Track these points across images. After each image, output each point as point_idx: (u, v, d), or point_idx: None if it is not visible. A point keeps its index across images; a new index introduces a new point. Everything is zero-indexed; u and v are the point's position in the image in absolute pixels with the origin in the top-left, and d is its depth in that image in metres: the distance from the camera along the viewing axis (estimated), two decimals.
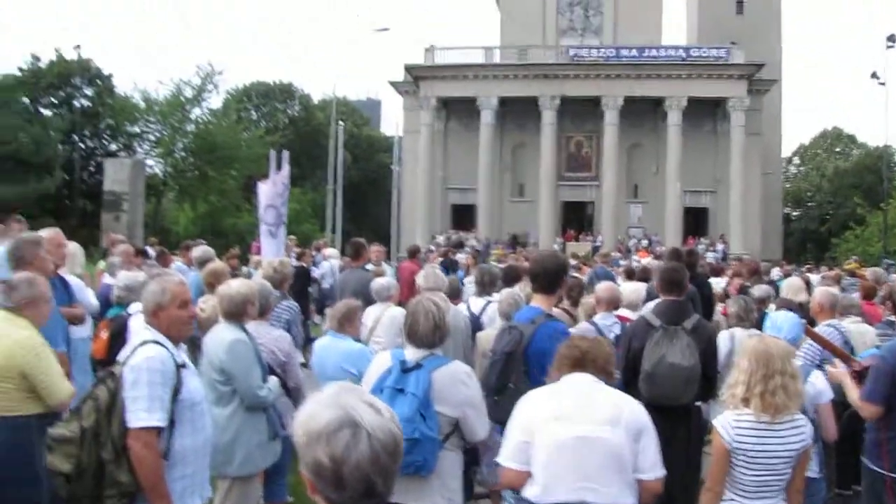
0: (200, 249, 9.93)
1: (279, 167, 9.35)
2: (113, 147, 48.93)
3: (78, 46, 45.93)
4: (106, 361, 5.90)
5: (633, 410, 3.82)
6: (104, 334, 6.28)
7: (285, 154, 9.68)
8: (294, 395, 5.96)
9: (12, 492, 4.42)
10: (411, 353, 4.33)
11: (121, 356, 4.00)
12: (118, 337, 6.02)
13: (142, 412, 3.69)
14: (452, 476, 4.32)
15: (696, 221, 48.31)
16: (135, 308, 6.11)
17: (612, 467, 3.68)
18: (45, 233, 6.35)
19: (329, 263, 15.28)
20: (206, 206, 49.73)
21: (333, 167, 43.59)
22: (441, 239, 40.88)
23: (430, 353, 4.32)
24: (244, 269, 13.30)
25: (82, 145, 47.91)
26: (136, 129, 49.29)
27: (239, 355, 5.15)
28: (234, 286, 5.48)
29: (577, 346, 4.01)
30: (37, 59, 48.40)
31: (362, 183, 64.71)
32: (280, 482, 6.17)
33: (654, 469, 3.76)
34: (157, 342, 3.87)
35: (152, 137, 49.26)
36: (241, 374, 5.13)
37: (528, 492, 3.79)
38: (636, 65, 46.34)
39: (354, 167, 63.18)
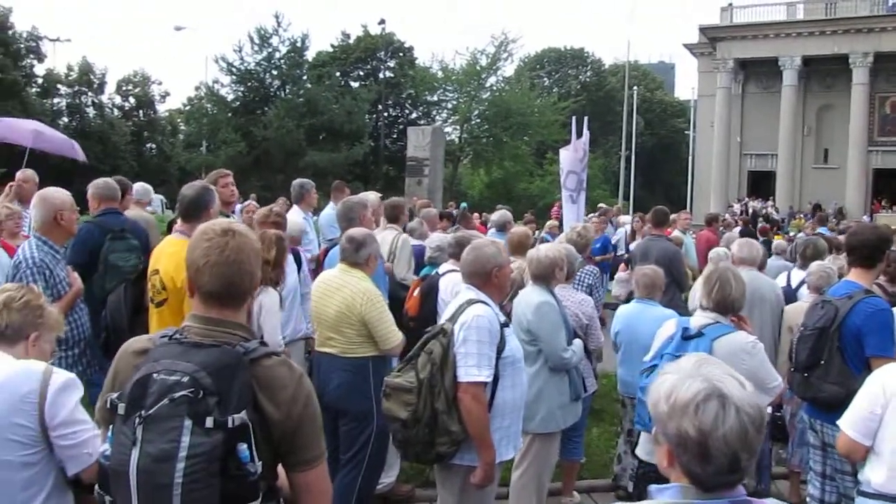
0: (499, 213, 10.32)
1: (580, 134, 9.48)
2: (413, 115, 51.64)
3: (382, 21, 48.93)
4: (418, 317, 6.40)
5: None
6: (416, 292, 6.75)
7: (586, 120, 9.79)
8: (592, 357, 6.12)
9: (349, 423, 5.13)
10: (697, 320, 4.34)
11: (446, 314, 4.37)
12: (429, 295, 6.49)
13: (472, 368, 4.03)
14: None
15: None
16: (445, 268, 6.54)
17: None
18: (372, 196, 6.96)
19: (623, 230, 15.28)
20: (500, 172, 51.16)
21: (626, 133, 43.11)
22: (737, 207, 39.20)
23: (716, 320, 4.30)
24: (538, 233, 13.62)
25: (386, 114, 50.99)
26: (435, 98, 51.69)
27: (546, 317, 5.33)
28: (542, 250, 5.66)
29: None
30: (346, 35, 52.21)
31: (655, 149, 63.38)
32: (577, 441, 6.36)
33: None
34: (484, 302, 4.18)
35: (449, 105, 51.42)
36: (547, 335, 5.31)
37: (871, 476, 3.63)
38: None
39: (647, 132, 61.99)
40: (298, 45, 44.57)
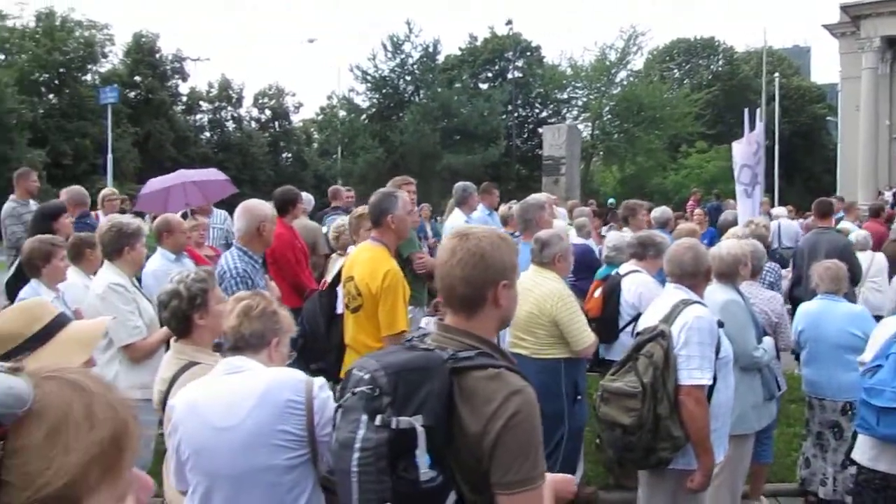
0: (660, 210, 10.14)
1: (752, 126, 9.20)
2: (543, 114, 51.36)
3: (510, 22, 48.82)
4: (599, 319, 6.32)
5: None
6: (597, 293, 6.67)
7: (758, 112, 9.50)
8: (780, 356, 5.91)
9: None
10: None
11: (655, 316, 4.29)
12: (611, 296, 6.41)
13: (695, 370, 3.95)
14: None
15: None
16: (626, 268, 6.45)
17: None
18: (544, 197, 6.94)
19: (777, 223, 14.72)
20: (633, 168, 50.32)
21: (765, 122, 41.61)
22: (888, 195, 37.21)
23: None
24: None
25: (516, 114, 50.93)
26: (564, 96, 51.27)
27: (733, 316, 5.17)
28: (724, 247, 5.50)
29: None
30: (474, 38, 52.46)
31: (793, 136, 60.87)
32: (766, 442, 6.15)
33: None
34: (699, 303, 4.10)
35: (580, 103, 50.91)
36: (735, 334, 5.13)
37: None
38: None
39: (785, 120, 59.65)
40: (430, 50, 45.10)
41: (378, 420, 2.08)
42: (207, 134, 55.40)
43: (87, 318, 3.27)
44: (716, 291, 5.35)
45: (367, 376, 2.16)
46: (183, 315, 3.47)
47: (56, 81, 45.75)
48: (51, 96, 45.94)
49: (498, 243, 2.35)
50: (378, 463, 2.07)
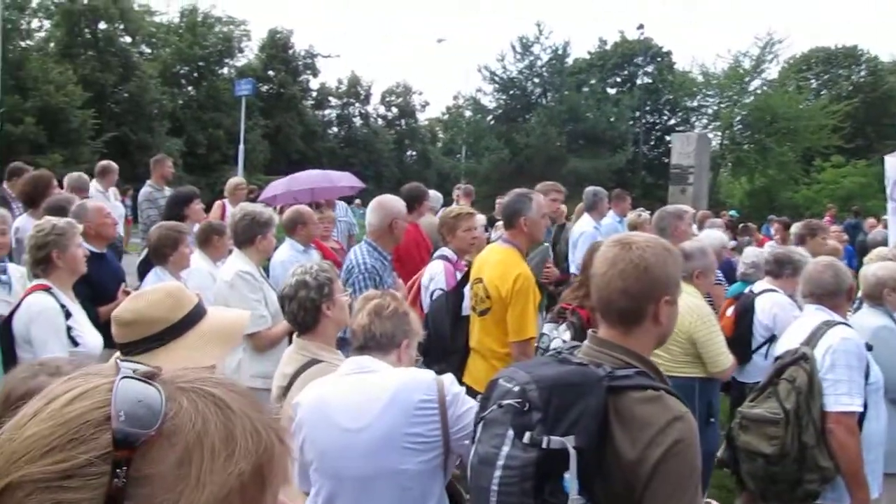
0: (799, 226, 9.64)
1: None
2: (671, 122, 50.25)
3: (641, 27, 47.94)
4: (732, 339, 5.98)
5: None
6: (729, 311, 6.32)
7: None
8: None
9: None
10: None
11: (795, 338, 4.01)
12: (744, 315, 6.07)
13: (843, 396, 3.67)
14: None
15: None
16: (760, 286, 6.10)
17: None
18: (684, 207, 6.65)
19: None
20: (763, 180, 48.61)
21: None
22: None
23: None
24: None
25: (643, 121, 50.00)
26: (694, 104, 49.98)
27: (884, 343, 4.77)
28: (871, 268, 5.13)
29: None
30: (603, 42, 51.77)
31: None
32: None
33: None
34: (844, 324, 3.81)
35: (710, 111, 49.54)
36: (887, 363, 4.79)
37: None
38: None
39: None
40: (560, 52, 44.78)
41: (526, 438, 1.93)
42: (335, 129, 56.64)
43: (216, 306, 3.23)
44: (867, 316, 4.99)
45: (516, 388, 2.01)
46: (312, 304, 3.41)
47: (195, 74, 47.58)
48: (189, 88, 47.82)
49: (664, 255, 2.19)
50: (523, 484, 1.92)
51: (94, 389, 0.82)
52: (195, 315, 2.28)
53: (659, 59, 51.54)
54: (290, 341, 4.37)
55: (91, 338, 4.26)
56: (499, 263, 4.82)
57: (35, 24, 40.30)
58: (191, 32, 46.94)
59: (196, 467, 0.80)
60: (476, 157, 43.59)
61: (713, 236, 7.22)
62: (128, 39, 42.91)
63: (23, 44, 35.75)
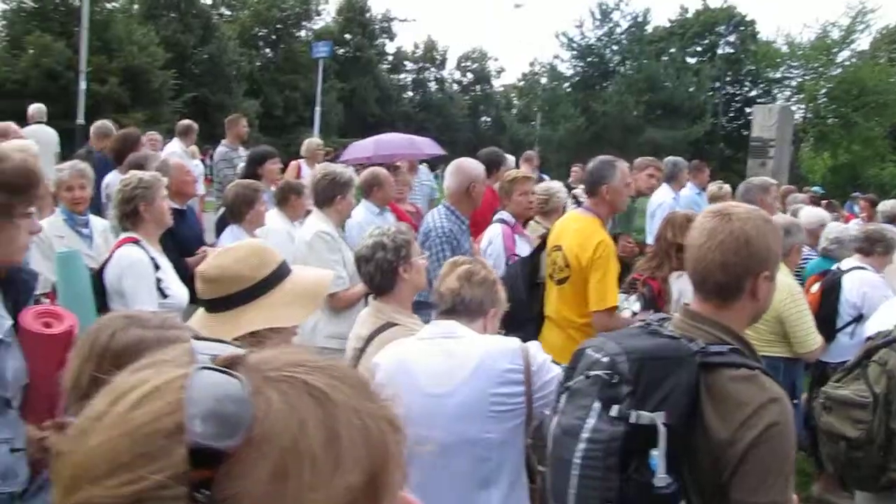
0: (891, 203, 9.33)
1: None
2: (752, 93, 48.97)
3: None
4: (816, 317, 5.78)
5: None
6: (814, 288, 6.11)
7: None
8: None
9: None
10: None
11: (888, 319, 3.84)
12: (830, 294, 5.86)
13: None
14: None
15: None
16: (848, 263, 5.88)
17: None
18: (770, 181, 6.45)
19: None
20: (847, 156, 47.11)
21: None
22: None
23: None
24: None
25: (724, 91, 48.85)
26: (777, 75, 48.56)
27: None
28: None
29: None
30: (684, 10, 50.58)
31: None
32: None
33: None
34: None
35: (793, 83, 48.10)
36: None
37: None
38: None
39: None
40: (640, 20, 43.90)
41: (614, 411, 1.87)
42: (410, 93, 56.79)
43: (298, 266, 3.21)
44: None
45: (604, 359, 1.95)
46: (389, 266, 3.35)
47: (273, 36, 48.10)
48: (267, 50, 48.36)
49: (764, 228, 2.08)
50: (607, 459, 1.86)
51: (166, 386, 0.66)
52: (279, 274, 2.25)
53: (742, 28, 50.18)
54: (367, 303, 4.38)
55: (178, 291, 4.30)
56: (578, 231, 4.72)
57: None
58: None
59: (294, 482, 0.63)
60: (551, 124, 43.13)
61: (813, 213, 7.01)
62: (208, 1, 43.61)
63: (108, 6, 36.41)
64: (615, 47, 44.49)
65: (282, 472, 0.63)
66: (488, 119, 59.17)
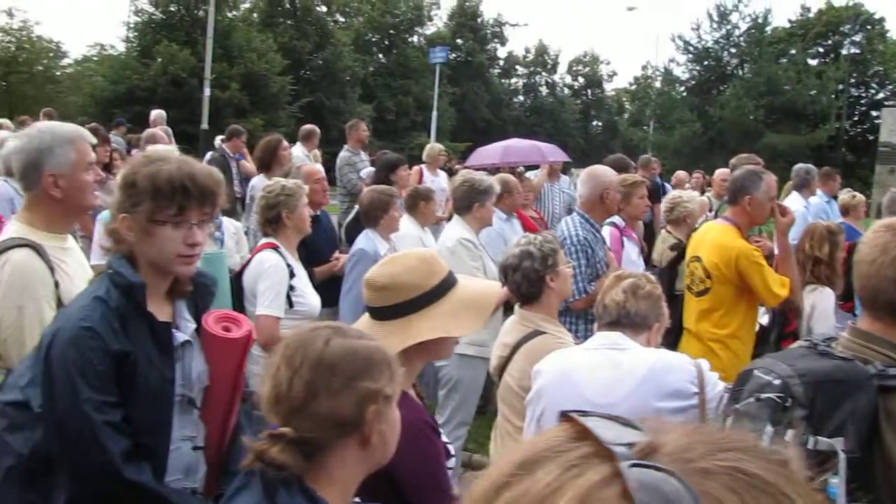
0: None
1: None
2: (880, 96, 46.87)
3: None
4: None
5: None
6: None
7: None
8: None
9: None
10: None
11: None
12: None
13: None
14: None
15: None
16: None
17: None
18: None
19: None
20: None
21: None
22: None
23: None
24: None
25: (847, 94, 47.00)
26: None
27: None
28: None
29: None
30: (806, 9, 48.85)
31: None
32: None
33: None
34: None
35: None
36: None
37: None
38: None
39: None
40: (759, 21, 42.67)
41: (789, 436, 1.79)
42: (521, 98, 56.72)
43: (465, 276, 3.25)
44: None
45: (776, 381, 1.87)
46: (537, 276, 3.34)
47: (386, 42, 48.80)
48: (380, 56, 49.08)
49: None
50: None
51: (602, 486, 0.57)
52: (448, 283, 2.26)
53: (869, 26, 48.06)
54: (505, 311, 4.37)
55: (311, 298, 4.39)
56: (716, 242, 4.61)
57: None
58: (383, 2, 48.11)
59: None
60: (665, 129, 42.34)
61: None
62: (323, 9, 44.53)
63: (230, 14, 37.68)
64: (733, 49, 43.39)
65: None
66: (599, 123, 58.65)
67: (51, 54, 38.17)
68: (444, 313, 2.20)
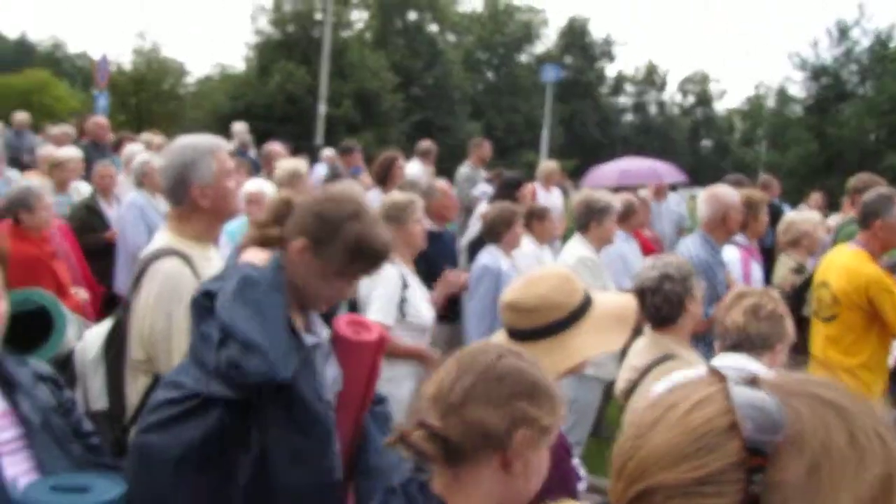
0: None
1: None
2: None
3: None
4: None
5: None
6: None
7: None
8: None
9: None
10: None
11: None
12: None
13: None
14: None
15: None
16: None
17: None
18: None
19: None
20: None
21: None
22: None
23: None
24: None
25: None
26: None
27: None
28: None
29: None
30: None
31: None
32: None
33: None
34: None
35: None
36: None
37: None
38: None
39: None
40: (882, 37, 40.99)
41: None
42: (630, 117, 56.04)
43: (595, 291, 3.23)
44: None
45: None
46: (677, 298, 3.28)
47: (495, 60, 49.06)
48: (489, 74, 49.35)
49: None
50: None
51: (711, 397, 0.83)
52: (588, 299, 2.28)
53: None
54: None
55: (424, 311, 4.46)
56: (845, 266, 4.49)
57: (355, 15, 43.46)
58: (493, 20, 48.49)
59: (827, 476, 0.77)
60: (779, 149, 41.07)
61: None
62: (435, 28, 45.04)
63: (344, 34, 38.57)
64: (853, 67, 41.77)
65: (815, 467, 0.77)
66: (709, 142, 57.38)
67: (176, 74, 39.89)
68: (592, 329, 2.21)
